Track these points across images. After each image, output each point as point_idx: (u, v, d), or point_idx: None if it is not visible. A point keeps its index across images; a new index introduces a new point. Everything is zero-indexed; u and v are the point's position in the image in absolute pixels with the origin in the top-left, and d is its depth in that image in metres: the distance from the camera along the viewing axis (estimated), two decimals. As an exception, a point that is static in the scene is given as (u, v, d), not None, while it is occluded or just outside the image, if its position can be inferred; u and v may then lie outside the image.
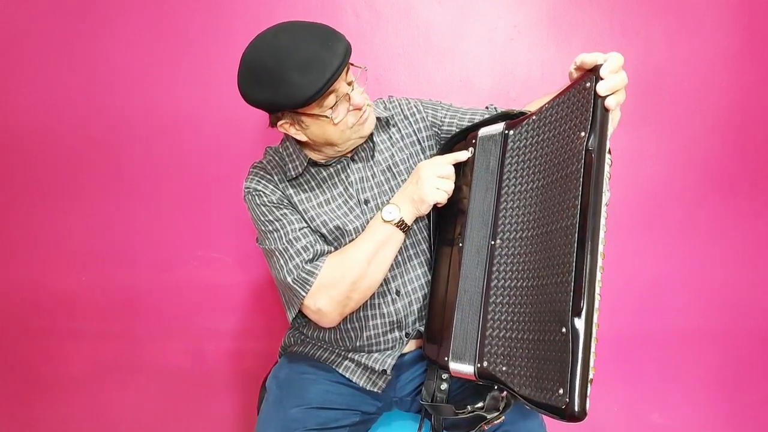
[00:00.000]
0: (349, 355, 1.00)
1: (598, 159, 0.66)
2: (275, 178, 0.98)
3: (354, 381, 0.99)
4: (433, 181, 0.88)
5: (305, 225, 0.95)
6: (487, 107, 1.06)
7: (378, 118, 1.01)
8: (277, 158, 1.01)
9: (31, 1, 1.35)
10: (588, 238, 0.64)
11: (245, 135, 1.37)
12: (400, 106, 1.05)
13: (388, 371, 0.97)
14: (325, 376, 1.00)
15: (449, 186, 0.90)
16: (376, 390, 0.98)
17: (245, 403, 1.47)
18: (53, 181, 1.41)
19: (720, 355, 1.45)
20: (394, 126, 1.04)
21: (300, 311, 0.93)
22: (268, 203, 0.95)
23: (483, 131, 0.90)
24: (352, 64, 0.90)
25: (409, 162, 1.01)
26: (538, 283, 0.72)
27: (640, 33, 1.34)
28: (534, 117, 0.81)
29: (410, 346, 1.02)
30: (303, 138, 0.94)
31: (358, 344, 0.99)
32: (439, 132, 1.04)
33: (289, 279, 0.89)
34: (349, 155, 1.00)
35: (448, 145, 0.99)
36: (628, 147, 1.36)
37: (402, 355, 1.00)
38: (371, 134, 0.99)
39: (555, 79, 1.32)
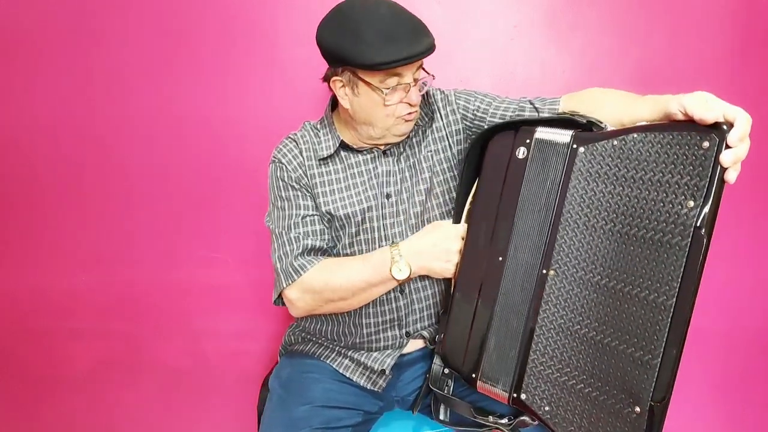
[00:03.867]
0: (349, 353, 1.00)
1: (707, 242, 0.60)
2: (303, 154, 0.98)
3: (354, 380, 0.99)
4: (453, 257, 0.89)
5: (310, 213, 0.95)
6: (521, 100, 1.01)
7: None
8: (312, 134, 1.01)
9: (31, 2, 1.35)
10: (682, 326, 0.61)
11: (247, 135, 1.37)
12: (436, 103, 1.03)
13: (387, 371, 0.97)
14: (328, 375, 1.00)
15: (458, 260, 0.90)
16: (376, 389, 0.98)
17: (245, 403, 1.47)
18: (53, 181, 1.41)
19: (720, 355, 1.45)
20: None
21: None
22: (285, 179, 0.96)
23: (542, 132, 0.78)
24: (426, 71, 0.93)
25: (432, 159, 0.99)
26: (603, 340, 0.68)
27: (640, 33, 1.34)
28: (615, 142, 0.69)
29: (412, 346, 1.01)
30: (347, 105, 0.93)
31: (357, 340, 0.99)
32: (471, 125, 1.01)
33: (278, 265, 0.93)
34: (381, 147, 0.99)
35: (483, 136, 0.87)
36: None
37: (402, 355, 1.00)
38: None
39: (555, 79, 1.33)
